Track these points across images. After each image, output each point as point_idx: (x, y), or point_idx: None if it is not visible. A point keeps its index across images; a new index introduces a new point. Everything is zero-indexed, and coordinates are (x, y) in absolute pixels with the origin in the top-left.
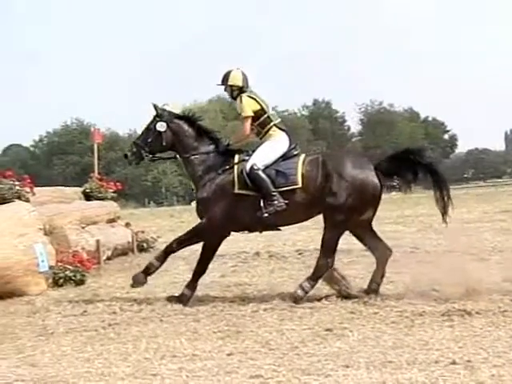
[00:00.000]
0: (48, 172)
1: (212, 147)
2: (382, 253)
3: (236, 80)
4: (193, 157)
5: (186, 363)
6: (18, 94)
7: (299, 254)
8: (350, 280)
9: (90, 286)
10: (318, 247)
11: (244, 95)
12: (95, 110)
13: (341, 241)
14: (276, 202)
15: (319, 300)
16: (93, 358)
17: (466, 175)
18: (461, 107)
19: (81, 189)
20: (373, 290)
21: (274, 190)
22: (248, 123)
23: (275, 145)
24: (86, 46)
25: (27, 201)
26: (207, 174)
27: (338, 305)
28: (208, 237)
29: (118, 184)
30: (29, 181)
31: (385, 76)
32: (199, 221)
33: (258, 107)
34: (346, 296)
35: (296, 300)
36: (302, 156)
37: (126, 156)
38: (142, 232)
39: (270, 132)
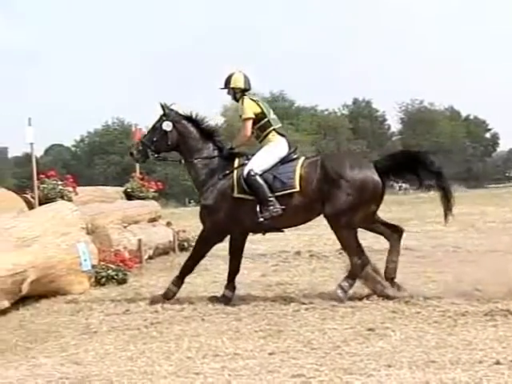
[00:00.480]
0: (89, 172)
1: (215, 151)
2: (393, 232)
3: (238, 82)
4: (196, 161)
5: (228, 362)
6: (59, 94)
7: (340, 253)
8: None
9: (132, 284)
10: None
11: (246, 97)
12: (137, 109)
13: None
14: (272, 207)
15: (361, 299)
16: (135, 356)
17: (507, 174)
18: (502, 105)
19: (122, 188)
20: (390, 269)
21: (270, 195)
22: (249, 125)
23: (273, 150)
24: (127, 49)
25: (70, 200)
26: (210, 179)
27: (380, 304)
28: (208, 239)
29: (158, 183)
30: (71, 180)
31: (425, 75)
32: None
33: (259, 110)
34: (383, 296)
35: (339, 301)
36: (301, 159)
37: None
38: (183, 231)
39: (269, 136)
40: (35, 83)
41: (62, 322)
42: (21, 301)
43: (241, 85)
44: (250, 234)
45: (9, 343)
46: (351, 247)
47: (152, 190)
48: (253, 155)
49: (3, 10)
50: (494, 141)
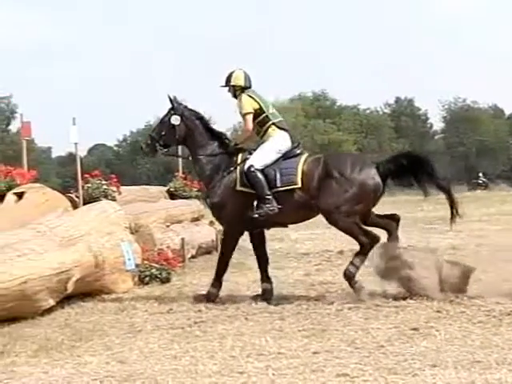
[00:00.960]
0: (132, 171)
1: (220, 148)
2: (390, 220)
3: (238, 80)
4: (201, 157)
5: (272, 361)
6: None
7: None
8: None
9: (175, 284)
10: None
11: (243, 94)
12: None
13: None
14: (268, 205)
15: (404, 299)
16: (180, 355)
17: None
18: None
19: (165, 188)
20: None
21: (268, 193)
22: (249, 119)
23: (275, 145)
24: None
25: (114, 200)
26: (215, 175)
27: (424, 304)
28: (230, 235)
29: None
30: (115, 180)
31: (469, 73)
32: None
33: (257, 106)
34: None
35: (348, 276)
36: (304, 156)
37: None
38: None
39: (270, 131)
40: (78, 82)
41: (106, 320)
42: (66, 299)
43: (241, 82)
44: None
45: (54, 341)
46: (354, 230)
47: (195, 189)
48: (255, 150)
49: (44, 4)
50: None
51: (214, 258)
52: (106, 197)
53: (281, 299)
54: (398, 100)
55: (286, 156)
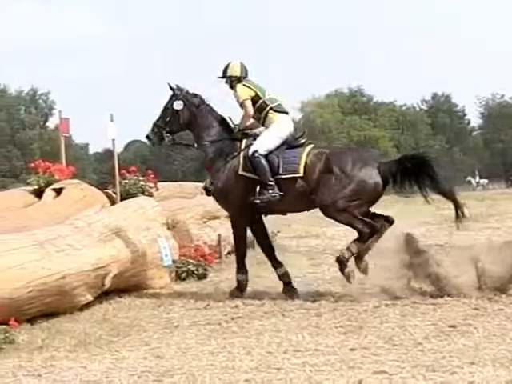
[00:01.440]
0: (167, 167)
1: (224, 133)
2: (383, 221)
3: (234, 71)
4: (206, 142)
5: (309, 358)
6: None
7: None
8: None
9: (211, 279)
10: (438, 242)
11: (238, 84)
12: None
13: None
14: (270, 191)
15: (442, 296)
16: (217, 351)
17: None
18: None
19: (202, 184)
20: (365, 249)
21: (271, 179)
22: (248, 104)
23: (278, 129)
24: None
25: (151, 196)
26: (219, 160)
27: (461, 301)
28: (237, 220)
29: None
30: (152, 176)
31: (506, 69)
32: None
33: (253, 93)
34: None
35: (341, 261)
36: (309, 147)
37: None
38: None
39: (270, 116)
40: (115, 80)
41: (144, 316)
42: (103, 295)
43: (237, 73)
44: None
45: (93, 336)
46: (354, 220)
47: None
48: (259, 136)
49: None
50: None
51: (250, 254)
52: (143, 193)
53: (317, 296)
54: (434, 96)
55: (290, 145)
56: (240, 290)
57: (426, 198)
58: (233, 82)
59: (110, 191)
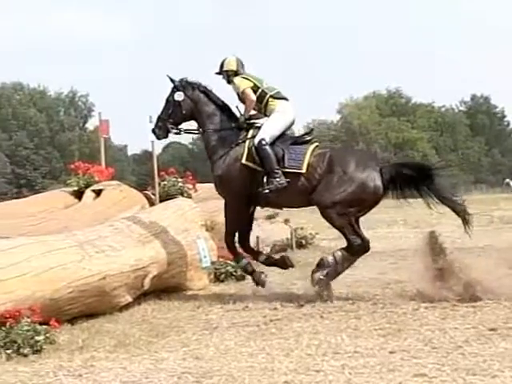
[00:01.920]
0: (206, 169)
1: (229, 122)
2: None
3: (230, 65)
4: (210, 130)
5: (348, 360)
6: None
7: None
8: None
9: (250, 281)
10: (476, 245)
11: (235, 77)
12: None
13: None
14: (277, 179)
15: (481, 299)
16: (256, 352)
17: None
18: None
19: None
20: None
21: (277, 167)
22: (249, 91)
23: (279, 115)
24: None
25: (189, 197)
26: (221, 148)
27: (502, 304)
28: (232, 208)
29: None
30: (191, 178)
31: None
32: None
33: (251, 84)
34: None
35: (323, 265)
36: (313, 146)
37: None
38: (301, 228)
39: (270, 104)
40: (154, 81)
41: (182, 317)
42: (142, 296)
43: (233, 67)
44: None
45: (132, 337)
46: (347, 229)
47: None
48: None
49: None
50: None
51: (289, 255)
52: (181, 194)
53: (356, 298)
54: (473, 97)
55: (297, 141)
56: (247, 273)
57: (429, 204)
58: (229, 76)
59: (149, 192)
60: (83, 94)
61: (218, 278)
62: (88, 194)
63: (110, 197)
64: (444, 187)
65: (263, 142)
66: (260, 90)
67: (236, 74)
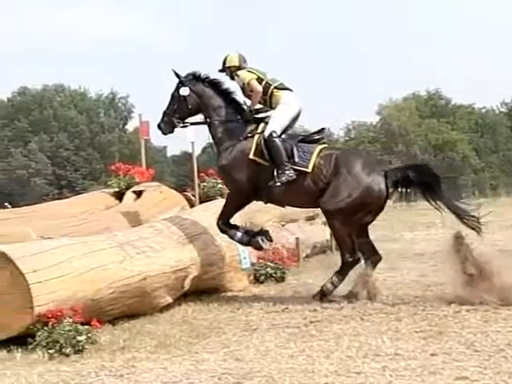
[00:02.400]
0: None
1: (236, 115)
2: (371, 256)
3: (233, 62)
4: (216, 122)
5: (389, 362)
6: None
7: (500, 253)
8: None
9: (290, 283)
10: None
11: (240, 71)
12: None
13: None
14: (287, 171)
15: None
16: (296, 354)
17: None
18: None
19: None
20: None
21: (287, 159)
22: (255, 83)
23: (286, 107)
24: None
25: None
26: (228, 140)
27: None
28: (233, 199)
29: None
30: None
31: None
32: None
33: (256, 76)
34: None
35: (324, 293)
36: (320, 147)
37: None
38: None
39: (275, 95)
40: None
41: (222, 318)
42: (183, 297)
43: (235, 63)
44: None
45: (173, 338)
46: (345, 244)
47: None
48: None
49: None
50: None
51: (329, 258)
52: (221, 195)
53: (397, 300)
54: None
55: (306, 140)
56: (255, 248)
57: (437, 208)
58: (232, 72)
59: (188, 194)
60: (123, 95)
61: (257, 280)
62: (129, 195)
63: (151, 198)
64: (449, 191)
65: (274, 135)
66: (264, 82)
67: (239, 69)
